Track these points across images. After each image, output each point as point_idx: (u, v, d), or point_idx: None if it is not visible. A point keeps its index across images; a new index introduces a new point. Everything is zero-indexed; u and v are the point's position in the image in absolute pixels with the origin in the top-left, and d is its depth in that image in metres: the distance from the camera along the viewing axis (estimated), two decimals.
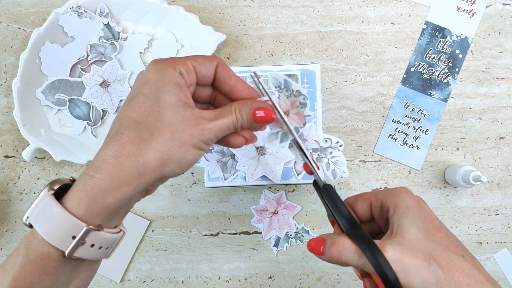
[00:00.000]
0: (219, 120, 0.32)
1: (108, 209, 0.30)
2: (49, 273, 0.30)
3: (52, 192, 0.31)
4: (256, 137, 0.37)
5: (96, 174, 0.30)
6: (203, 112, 0.32)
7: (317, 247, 0.34)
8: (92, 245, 0.31)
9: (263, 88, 0.35)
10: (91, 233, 0.30)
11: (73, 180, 0.33)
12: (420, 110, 0.60)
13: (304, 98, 0.35)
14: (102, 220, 0.31)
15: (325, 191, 0.34)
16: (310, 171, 0.37)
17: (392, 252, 0.30)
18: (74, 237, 0.30)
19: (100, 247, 0.32)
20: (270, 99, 0.35)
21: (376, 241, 0.31)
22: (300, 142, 0.36)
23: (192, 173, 0.61)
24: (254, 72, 0.37)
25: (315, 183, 0.37)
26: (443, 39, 0.60)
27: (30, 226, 0.31)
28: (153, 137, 0.30)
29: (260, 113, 0.34)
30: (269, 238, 0.61)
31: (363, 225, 0.37)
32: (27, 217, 0.31)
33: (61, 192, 0.31)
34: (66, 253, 0.30)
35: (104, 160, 0.30)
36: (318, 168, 0.36)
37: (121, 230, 0.34)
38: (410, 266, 0.30)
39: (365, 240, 0.30)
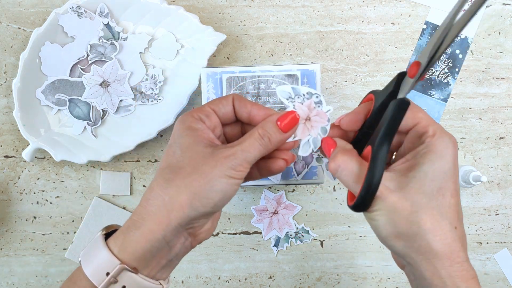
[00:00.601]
0: (243, 143, 0.33)
1: (140, 248, 0.31)
2: None
3: (104, 232, 0.33)
4: (295, 156, 0.37)
5: (133, 215, 0.32)
6: (228, 145, 0.33)
7: (327, 149, 0.35)
8: (124, 287, 0.31)
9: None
10: (124, 273, 0.31)
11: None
12: None
13: (317, 97, 0.35)
14: (137, 262, 0.31)
15: (404, 104, 0.32)
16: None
17: (389, 183, 0.31)
18: (108, 274, 0.30)
19: None
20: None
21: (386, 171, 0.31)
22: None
23: None
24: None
25: (392, 95, 0.34)
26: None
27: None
28: (176, 175, 0.31)
29: (283, 120, 0.34)
30: (269, 238, 0.61)
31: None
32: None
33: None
34: None
35: (139, 205, 0.32)
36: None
37: (161, 284, 0.33)
38: (391, 205, 0.30)
39: (380, 160, 0.30)
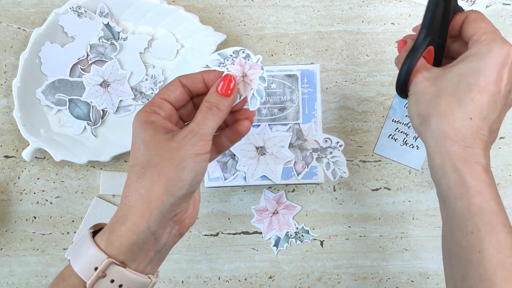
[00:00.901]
0: (196, 119, 0.34)
1: (126, 241, 0.31)
2: None
3: (92, 230, 0.34)
4: (254, 111, 0.38)
5: (116, 214, 0.33)
6: (183, 127, 0.35)
7: (400, 46, 0.40)
8: (112, 281, 0.31)
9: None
10: (113, 268, 0.31)
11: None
12: None
13: (243, 52, 0.37)
14: (124, 256, 0.32)
15: (448, 3, 0.38)
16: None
17: (428, 73, 0.35)
18: (96, 269, 0.31)
19: (121, 285, 0.32)
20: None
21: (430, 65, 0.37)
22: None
23: None
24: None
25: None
26: None
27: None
28: (146, 168, 0.33)
29: (222, 86, 0.35)
30: (269, 238, 0.61)
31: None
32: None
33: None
34: (87, 284, 0.31)
35: (120, 204, 0.34)
36: None
37: (149, 277, 0.34)
38: (421, 89, 0.34)
39: (417, 48, 0.36)
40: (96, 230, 0.34)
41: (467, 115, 0.32)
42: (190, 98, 0.38)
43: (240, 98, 0.37)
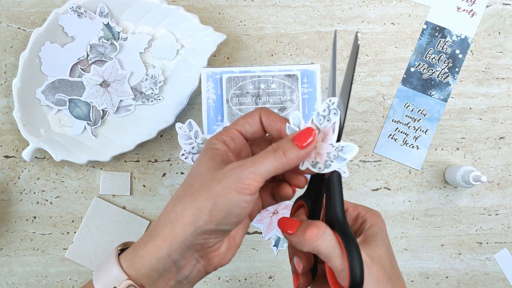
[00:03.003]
0: (254, 156, 0.30)
1: (147, 264, 0.30)
2: None
3: (120, 248, 0.33)
4: (304, 179, 0.35)
5: (145, 233, 0.32)
6: (242, 159, 0.31)
7: (290, 225, 0.32)
8: None
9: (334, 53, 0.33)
10: None
11: None
12: (420, 110, 0.60)
13: (335, 110, 0.32)
14: (144, 280, 0.31)
15: (337, 178, 0.32)
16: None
17: (365, 256, 0.30)
18: None
19: None
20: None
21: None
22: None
23: None
24: (335, 30, 0.35)
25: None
26: (443, 39, 0.60)
27: None
28: (185, 192, 0.31)
29: (299, 135, 0.31)
30: (269, 238, 0.61)
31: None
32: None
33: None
34: None
35: (153, 224, 0.33)
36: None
37: None
38: (375, 277, 0.30)
39: (350, 236, 0.30)
40: (124, 248, 0.33)
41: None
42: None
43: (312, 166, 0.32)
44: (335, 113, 0.31)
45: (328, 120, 0.32)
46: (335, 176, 0.32)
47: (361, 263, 0.29)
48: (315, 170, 0.32)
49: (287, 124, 0.32)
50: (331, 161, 0.31)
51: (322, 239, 0.30)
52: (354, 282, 0.29)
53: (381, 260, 0.32)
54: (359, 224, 0.35)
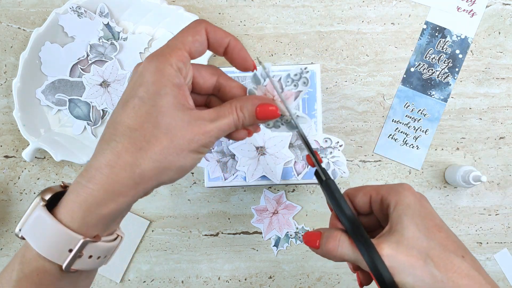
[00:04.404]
0: (219, 121, 0.30)
1: (104, 219, 0.29)
2: (46, 287, 0.29)
3: (44, 203, 0.29)
4: (259, 127, 0.35)
5: (89, 183, 0.28)
6: (202, 113, 0.30)
7: (313, 240, 0.33)
8: (90, 256, 0.30)
9: (268, 76, 0.33)
10: (88, 245, 0.29)
11: (65, 186, 0.31)
12: (420, 110, 0.60)
13: (306, 71, 0.32)
14: (99, 231, 0.29)
15: (327, 187, 0.33)
16: (312, 163, 0.35)
17: (388, 249, 0.30)
18: (70, 250, 0.28)
19: (98, 257, 0.30)
20: (275, 86, 0.33)
21: (374, 240, 0.31)
22: (303, 132, 0.34)
23: (192, 173, 0.61)
24: (257, 58, 0.35)
25: (318, 175, 0.35)
26: (443, 39, 0.60)
27: (23, 238, 0.29)
28: (150, 145, 0.28)
29: (263, 109, 0.32)
30: (269, 238, 0.61)
31: (362, 217, 0.37)
32: (20, 230, 0.29)
33: (54, 200, 0.30)
34: (64, 266, 0.29)
35: (97, 169, 0.28)
36: (321, 161, 0.35)
37: (118, 235, 0.32)
38: (404, 264, 0.29)
39: (362, 240, 0.30)
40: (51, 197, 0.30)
41: (458, 255, 0.30)
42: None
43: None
44: (304, 83, 0.32)
45: (295, 86, 0.32)
46: (329, 184, 0.33)
47: (382, 264, 0.29)
48: (263, 125, 0.34)
49: (255, 71, 0.33)
50: (281, 124, 0.34)
51: (341, 248, 0.31)
52: (381, 282, 0.29)
53: (410, 243, 0.30)
54: (385, 209, 0.34)
